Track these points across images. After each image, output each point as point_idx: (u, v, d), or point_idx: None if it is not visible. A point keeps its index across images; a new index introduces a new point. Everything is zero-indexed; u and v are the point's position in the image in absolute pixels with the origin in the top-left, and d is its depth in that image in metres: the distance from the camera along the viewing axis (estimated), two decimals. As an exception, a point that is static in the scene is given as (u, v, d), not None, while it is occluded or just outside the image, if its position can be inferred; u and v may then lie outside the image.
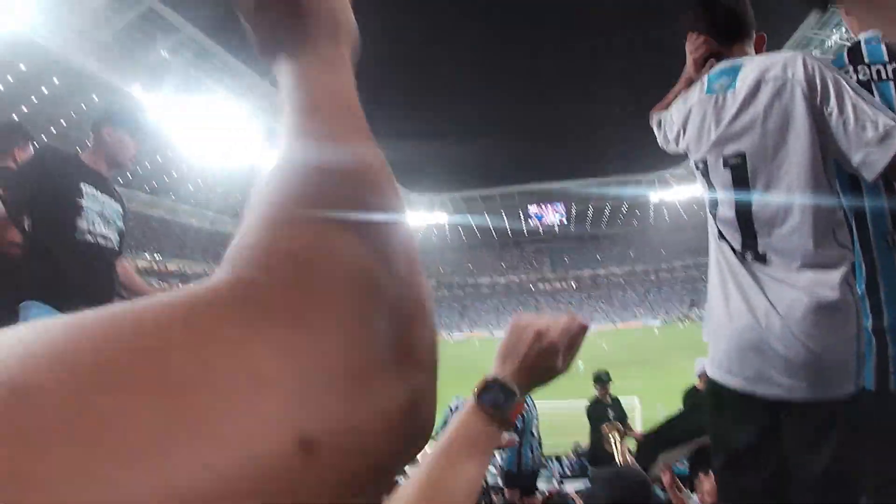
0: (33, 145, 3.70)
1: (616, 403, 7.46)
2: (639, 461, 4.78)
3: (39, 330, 0.22)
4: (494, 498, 6.92)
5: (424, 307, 0.34)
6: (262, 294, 0.26)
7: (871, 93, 1.71)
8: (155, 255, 59.36)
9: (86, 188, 2.95)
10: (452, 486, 0.88)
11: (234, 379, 0.23)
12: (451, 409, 4.81)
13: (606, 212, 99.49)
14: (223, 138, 53.80)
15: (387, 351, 0.29)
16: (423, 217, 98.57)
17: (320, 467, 0.24)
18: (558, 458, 14.38)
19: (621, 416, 7.20)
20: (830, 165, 1.63)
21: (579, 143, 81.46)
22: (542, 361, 0.99)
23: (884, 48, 1.79)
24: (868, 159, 1.50)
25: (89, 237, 2.98)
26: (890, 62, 1.77)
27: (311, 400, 0.24)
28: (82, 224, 2.92)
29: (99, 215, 3.00)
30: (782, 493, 1.73)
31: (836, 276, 1.60)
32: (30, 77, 38.92)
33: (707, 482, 4.24)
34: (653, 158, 76.55)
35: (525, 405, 6.49)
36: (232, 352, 0.23)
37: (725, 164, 1.74)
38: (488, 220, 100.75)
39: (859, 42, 1.85)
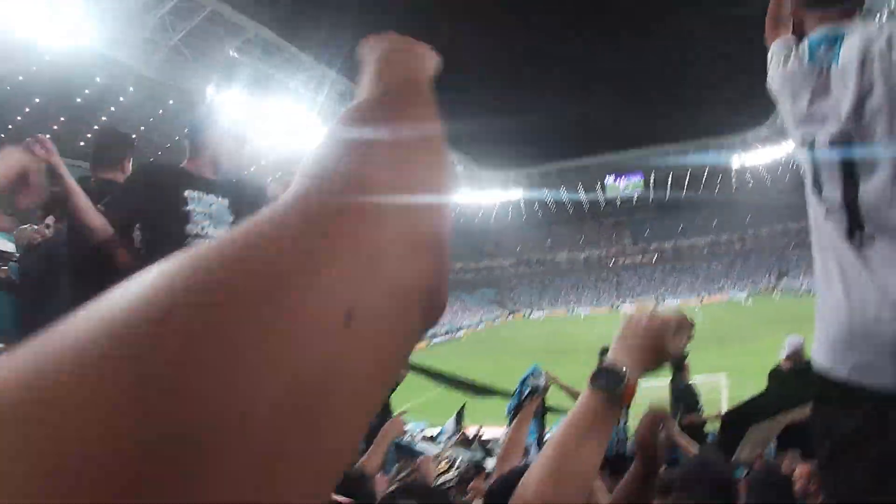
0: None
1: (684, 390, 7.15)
2: (722, 441, 4.84)
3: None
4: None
5: (442, 206, 0.40)
6: (331, 201, 0.33)
7: None
8: None
9: (190, 194, 2.96)
10: (577, 460, 1.02)
11: (316, 269, 0.28)
12: (522, 381, 5.02)
13: (686, 180, 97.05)
14: (296, 132, 54.67)
15: (419, 238, 0.36)
16: (498, 195, 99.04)
17: (359, 334, 0.29)
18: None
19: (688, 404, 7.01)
20: None
21: (654, 108, 78.98)
22: (654, 342, 1.12)
23: None
24: None
25: (199, 241, 2.80)
26: None
27: (357, 279, 0.30)
28: (192, 229, 2.93)
29: (208, 216, 3.00)
30: (888, 484, 1.68)
31: None
32: (106, 89, 41.47)
33: (801, 467, 4.20)
34: (732, 121, 73.63)
35: None
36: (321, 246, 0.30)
37: (832, 144, 1.67)
38: (564, 193, 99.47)
39: None
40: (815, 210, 1.80)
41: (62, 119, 40.77)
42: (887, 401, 1.59)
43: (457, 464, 6.76)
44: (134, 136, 4.31)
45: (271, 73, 49.52)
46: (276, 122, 50.87)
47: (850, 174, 1.63)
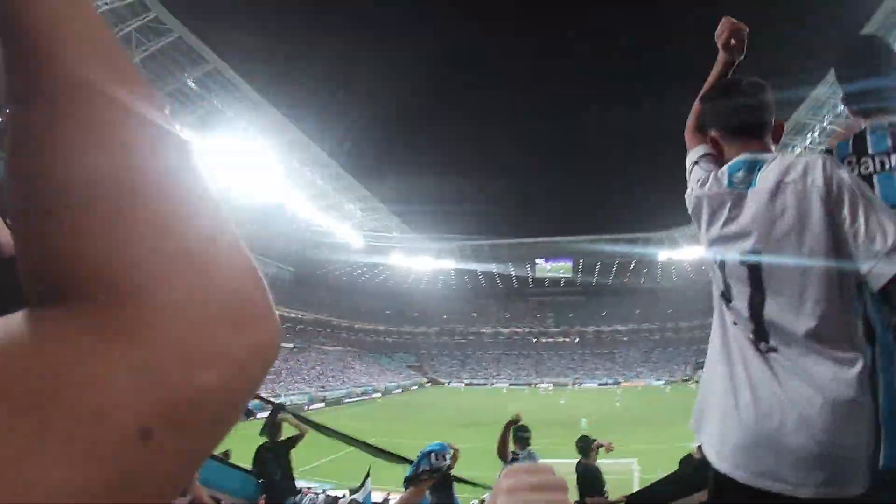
0: None
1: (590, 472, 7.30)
2: None
3: None
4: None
5: (251, 271, 0.38)
6: (100, 317, 0.31)
7: (872, 186, 1.82)
8: None
9: None
10: None
11: (78, 388, 0.28)
12: (425, 454, 4.86)
13: (613, 268, 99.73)
14: (245, 174, 54.20)
15: (221, 328, 0.34)
16: (430, 262, 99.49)
17: (159, 449, 0.28)
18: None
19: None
20: (847, 272, 1.66)
21: (591, 197, 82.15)
22: None
23: (889, 139, 1.88)
24: (874, 271, 1.55)
25: None
26: (894, 152, 1.85)
27: (145, 393, 0.29)
28: None
29: None
30: None
31: (853, 373, 1.60)
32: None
33: None
34: (662, 217, 76.90)
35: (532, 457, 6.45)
36: (77, 367, 0.28)
37: (742, 262, 1.75)
38: (495, 270, 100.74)
39: (865, 130, 1.95)
40: (722, 316, 1.87)
41: None
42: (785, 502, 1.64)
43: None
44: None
45: (223, 110, 49.26)
46: (219, 159, 50.39)
47: (758, 290, 1.72)
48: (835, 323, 1.63)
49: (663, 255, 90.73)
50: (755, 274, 1.72)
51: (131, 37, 37.86)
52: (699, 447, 6.06)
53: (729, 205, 1.81)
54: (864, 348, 1.73)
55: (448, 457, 2.90)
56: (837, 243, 1.61)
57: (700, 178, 1.97)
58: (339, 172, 65.85)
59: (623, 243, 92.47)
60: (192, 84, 45.29)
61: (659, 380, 77.32)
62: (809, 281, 1.64)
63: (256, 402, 8.98)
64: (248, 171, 54.84)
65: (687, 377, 75.17)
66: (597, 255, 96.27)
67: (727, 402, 1.77)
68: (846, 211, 1.60)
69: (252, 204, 62.61)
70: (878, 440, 1.68)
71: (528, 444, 6.74)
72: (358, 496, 8.81)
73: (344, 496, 16.14)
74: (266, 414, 8.26)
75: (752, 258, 1.72)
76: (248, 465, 8.23)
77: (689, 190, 2.05)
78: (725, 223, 1.81)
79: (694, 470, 5.97)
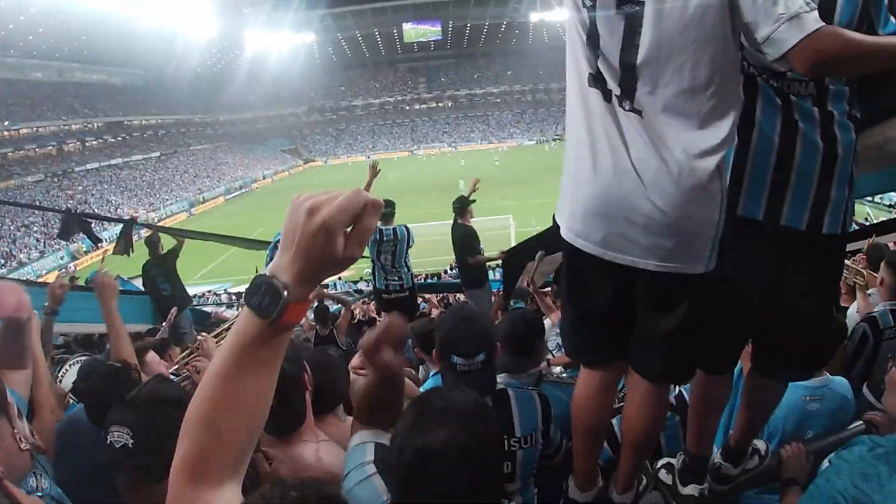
0: None
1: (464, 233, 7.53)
2: (506, 273, 5.16)
3: None
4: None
5: None
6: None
7: None
8: (4, 122, 54.20)
9: None
10: (242, 401, 0.88)
11: None
12: (274, 243, 4.93)
13: (485, 30, 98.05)
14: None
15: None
16: (290, 38, 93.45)
17: None
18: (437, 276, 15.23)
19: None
20: (737, 32, 1.54)
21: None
22: (317, 246, 0.83)
23: None
24: (775, 35, 1.41)
25: None
26: None
27: None
28: None
29: None
30: (625, 344, 1.91)
31: (711, 161, 1.57)
32: None
33: None
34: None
35: (396, 234, 6.74)
36: None
37: (618, 9, 1.57)
38: (360, 38, 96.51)
39: None
40: (577, 73, 1.75)
41: None
42: (631, 273, 1.72)
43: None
44: None
45: None
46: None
47: (632, 41, 1.57)
48: (710, 89, 1.55)
49: (534, 16, 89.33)
50: (634, 24, 1.55)
51: None
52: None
53: None
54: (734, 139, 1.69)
55: None
56: (731, 5, 1.47)
57: None
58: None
59: (494, 4, 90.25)
60: None
61: (531, 140, 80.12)
62: (690, 40, 1.51)
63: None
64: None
65: (557, 136, 78.14)
66: (466, 16, 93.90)
67: (581, 168, 1.74)
68: None
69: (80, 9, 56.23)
70: (728, 217, 1.69)
71: (391, 218, 6.53)
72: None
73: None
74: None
75: (633, 8, 1.54)
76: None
77: None
78: None
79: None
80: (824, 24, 1.39)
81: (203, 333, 4.46)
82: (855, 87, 1.75)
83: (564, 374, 3.56)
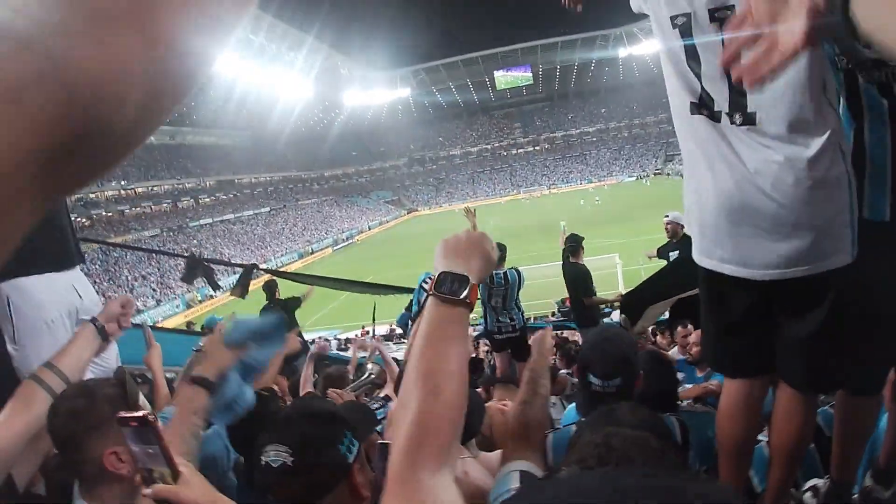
0: None
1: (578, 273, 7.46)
2: (626, 315, 5.12)
3: None
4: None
5: None
6: None
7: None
8: (121, 181, 57.89)
9: None
10: (444, 366, 1.01)
11: None
12: (420, 286, 5.06)
13: (574, 71, 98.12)
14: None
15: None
16: (386, 94, 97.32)
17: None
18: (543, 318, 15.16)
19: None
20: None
21: (540, 1, 78.74)
22: (481, 252, 1.17)
23: None
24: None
25: None
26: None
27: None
28: None
29: None
30: (769, 355, 1.87)
31: (825, 140, 1.56)
32: None
33: (694, 334, 4.39)
34: (618, 13, 74.31)
35: (507, 278, 6.87)
36: None
37: (713, 19, 1.62)
38: (454, 89, 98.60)
39: None
40: (681, 105, 1.78)
41: None
42: (769, 286, 1.71)
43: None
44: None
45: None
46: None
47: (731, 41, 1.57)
48: (815, 80, 1.56)
49: (623, 51, 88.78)
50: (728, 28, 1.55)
51: None
52: (666, 227, 6.35)
53: None
54: (845, 116, 1.71)
55: None
56: None
57: None
58: (271, 22, 62.98)
59: (581, 45, 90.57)
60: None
61: (631, 176, 78.77)
62: None
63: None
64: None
65: (658, 171, 76.49)
66: (555, 59, 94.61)
67: (703, 195, 1.77)
68: None
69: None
70: (861, 201, 1.68)
71: (503, 262, 6.53)
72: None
73: (356, 336, 16.99)
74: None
75: (725, 13, 1.58)
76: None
77: None
78: None
79: (674, 265, 6.28)
80: None
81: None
82: None
83: (696, 406, 3.53)
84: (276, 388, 2.75)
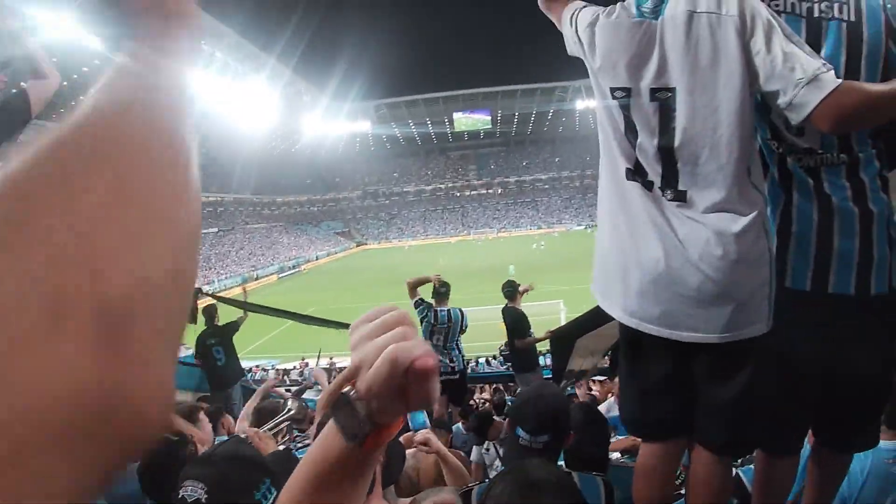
0: None
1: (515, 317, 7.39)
2: (554, 353, 5.10)
3: None
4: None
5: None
6: None
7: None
8: None
9: None
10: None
11: None
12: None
13: (532, 118, 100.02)
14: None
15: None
16: (345, 126, 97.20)
17: None
18: (487, 361, 15.05)
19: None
20: (753, 105, 1.65)
21: (502, 48, 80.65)
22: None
23: None
24: (797, 100, 1.50)
25: None
26: None
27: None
28: None
29: None
30: (687, 418, 1.89)
31: (751, 219, 1.64)
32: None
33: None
34: (579, 66, 76.51)
35: (450, 316, 6.78)
36: None
37: (652, 98, 1.67)
38: (412, 127, 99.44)
39: None
40: (613, 169, 1.82)
41: None
42: (690, 349, 1.76)
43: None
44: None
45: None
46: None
47: (667, 127, 1.67)
48: (745, 162, 1.64)
49: (580, 104, 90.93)
50: (667, 109, 1.66)
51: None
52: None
53: (639, 36, 1.68)
54: (771, 189, 1.84)
55: None
56: (752, 77, 1.58)
57: (590, 19, 1.79)
58: (238, 42, 62.73)
59: (540, 94, 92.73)
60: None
61: (580, 225, 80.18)
62: (724, 117, 1.60)
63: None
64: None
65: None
66: (514, 106, 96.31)
67: (626, 256, 1.79)
68: (761, 40, 1.55)
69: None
70: (784, 271, 1.80)
71: (447, 299, 6.55)
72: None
73: (294, 367, 16.62)
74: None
75: (664, 94, 1.65)
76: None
77: (574, 31, 1.86)
78: (634, 56, 1.68)
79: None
80: (841, 80, 1.48)
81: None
82: (882, 147, 1.78)
83: (624, 459, 3.53)
84: (189, 433, 2.67)
